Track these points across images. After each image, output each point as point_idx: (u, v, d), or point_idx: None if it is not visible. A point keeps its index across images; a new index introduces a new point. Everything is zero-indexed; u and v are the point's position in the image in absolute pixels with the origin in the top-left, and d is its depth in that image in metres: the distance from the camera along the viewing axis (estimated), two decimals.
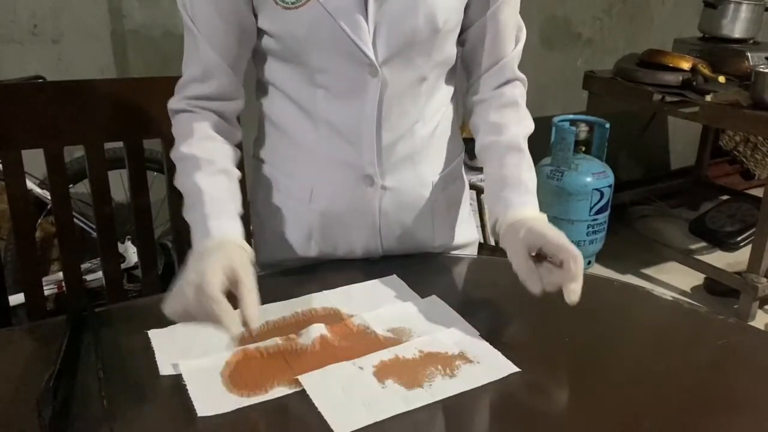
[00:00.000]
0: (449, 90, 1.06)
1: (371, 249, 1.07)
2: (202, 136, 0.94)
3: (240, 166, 0.98)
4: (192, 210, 0.88)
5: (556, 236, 0.85)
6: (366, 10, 0.89)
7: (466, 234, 1.17)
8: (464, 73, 1.07)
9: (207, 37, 0.92)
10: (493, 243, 1.99)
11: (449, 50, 0.99)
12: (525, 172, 0.98)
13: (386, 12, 0.90)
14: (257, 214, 1.12)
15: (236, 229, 0.85)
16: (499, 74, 1.03)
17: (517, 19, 1.01)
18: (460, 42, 1.03)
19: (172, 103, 0.97)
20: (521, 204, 0.94)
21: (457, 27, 0.98)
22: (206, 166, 0.91)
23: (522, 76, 1.05)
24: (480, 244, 1.99)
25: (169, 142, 1.21)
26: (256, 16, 0.93)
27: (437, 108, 1.03)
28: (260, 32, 0.95)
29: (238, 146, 1.00)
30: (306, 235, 1.06)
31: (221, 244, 0.81)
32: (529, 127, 1.03)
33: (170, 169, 1.23)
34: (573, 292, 0.81)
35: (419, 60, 0.95)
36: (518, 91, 1.04)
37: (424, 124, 1.01)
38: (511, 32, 1.01)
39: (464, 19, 0.99)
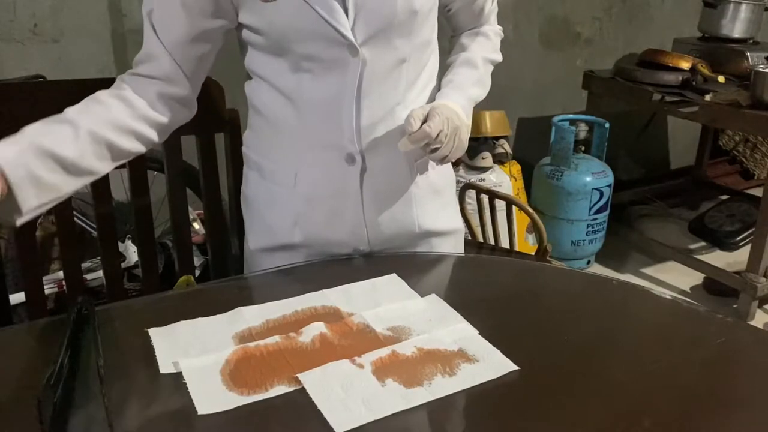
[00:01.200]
0: (431, 77, 1.10)
1: (357, 233, 1.08)
2: (100, 97, 0.95)
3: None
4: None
5: (438, 107, 0.99)
6: None
7: (450, 221, 1.18)
8: (449, 27, 1.19)
9: (158, 25, 0.96)
10: (493, 243, 2.00)
11: (427, 33, 1.05)
12: (471, 85, 1.10)
13: None
14: (246, 202, 1.14)
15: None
16: (479, 26, 1.17)
17: None
18: (444, 10, 1.12)
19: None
20: (446, 95, 1.06)
21: (434, 8, 1.04)
22: (57, 116, 0.89)
23: (499, 27, 1.19)
24: (479, 243, 2.00)
25: (169, 142, 1.21)
26: (237, 12, 0.96)
27: (419, 93, 1.06)
28: (243, 27, 0.99)
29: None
30: (291, 221, 1.07)
31: None
32: (494, 55, 1.16)
33: (170, 169, 1.24)
34: (401, 143, 0.98)
35: (398, 41, 0.99)
36: (491, 29, 1.17)
37: (405, 107, 1.03)
38: None
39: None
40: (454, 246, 1.18)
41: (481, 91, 1.12)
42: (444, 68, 1.14)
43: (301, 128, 1.02)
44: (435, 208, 1.14)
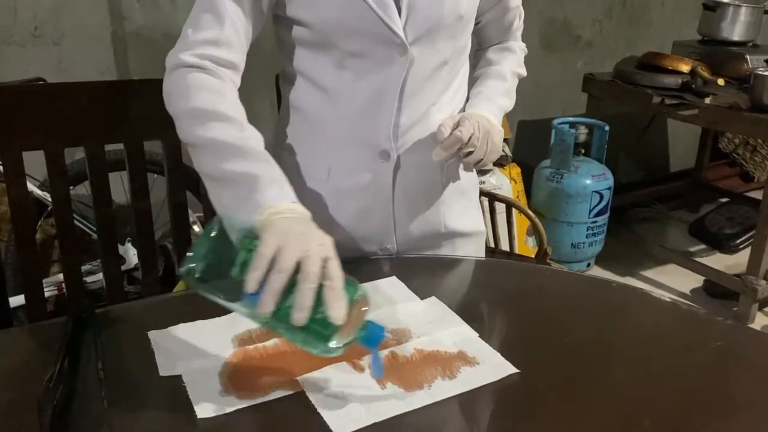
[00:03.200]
0: (463, 82, 1.12)
1: (385, 229, 1.08)
2: (235, 101, 0.91)
3: None
4: (246, 163, 0.85)
5: (468, 114, 1.02)
6: None
7: (474, 223, 1.20)
8: (474, 41, 1.19)
9: (232, 13, 0.92)
10: (493, 245, 1.99)
11: (467, 38, 1.08)
12: (499, 95, 1.13)
13: None
14: None
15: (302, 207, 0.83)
16: (505, 42, 1.21)
17: (519, 0, 1.18)
18: (475, 23, 1.13)
19: (181, 57, 0.90)
20: (476, 105, 1.09)
21: (474, 16, 1.07)
22: (251, 133, 0.88)
23: (523, 44, 1.23)
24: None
25: (169, 144, 1.22)
26: (284, 5, 0.96)
27: (453, 96, 1.09)
28: (290, 22, 0.98)
29: None
30: (322, 216, 1.04)
31: (308, 219, 0.80)
32: (520, 70, 1.20)
33: (170, 171, 1.24)
34: (435, 153, 1.00)
35: (443, 44, 1.01)
36: (517, 44, 1.21)
37: (439, 110, 1.05)
38: (516, 13, 1.18)
39: (479, 7, 1.09)
40: (476, 248, 1.21)
41: (509, 102, 1.16)
42: (472, 81, 1.16)
43: (339, 124, 1.03)
44: (460, 209, 1.16)
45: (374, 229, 1.09)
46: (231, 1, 0.92)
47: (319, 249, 0.70)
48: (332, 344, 0.69)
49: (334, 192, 1.06)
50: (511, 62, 1.18)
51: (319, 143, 1.06)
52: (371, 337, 0.71)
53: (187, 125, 0.89)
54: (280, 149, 1.11)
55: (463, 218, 1.16)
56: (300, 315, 0.67)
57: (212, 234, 0.71)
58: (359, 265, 1.07)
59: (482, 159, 1.03)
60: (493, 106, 1.09)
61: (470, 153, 1.01)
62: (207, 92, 0.89)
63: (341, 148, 1.04)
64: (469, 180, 1.17)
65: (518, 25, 1.20)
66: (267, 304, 0.67)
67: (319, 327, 0.68)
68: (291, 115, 1.08)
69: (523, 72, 1.21)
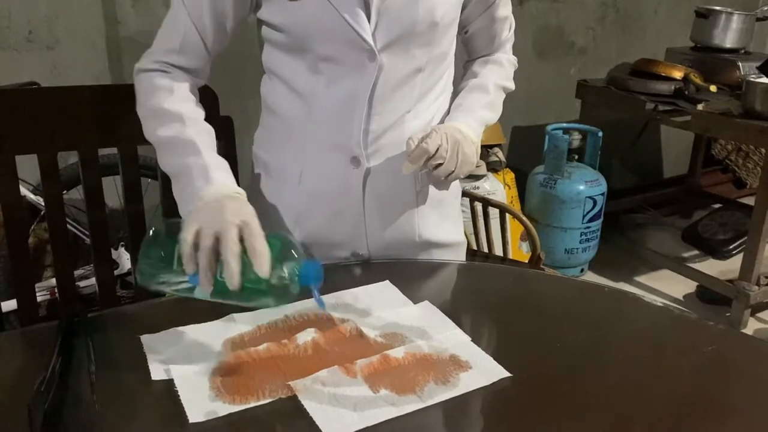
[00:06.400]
0: (444, 90, 1.10)
1: (356, 236, 1.08)
2: (183, 96, 0.97)
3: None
4: (183, 157, 0.91)
5: (438, 126, 1.01)
6: (367, 1, 0.94)
7: (452, 233, 1.18)
8: (464, 52, 1.19)
9: (192, 15, 0.96)
10: (486, 250, 2.00)
11: (446, 45, 1.05)
12: (480, 108, 1.10)
13: (388, 4, 0.95)
14: (252, 200, 1.13)
15: (235, 185, 0.90)
16: (493, 53, 1.18)
17: (509, 11, 1.15)
18: (462, 31, 1.13)
19: (143, 64, 0.99)
20: (454, 118, 1.07)
21: (455, 22, 1.05)
22: (192, 125, 0.94)
23: (513, 57, 1.19)
24: (473, 251, 2.00)
25: None
26: (259, 6, 0.98)
27: (430, 104, 1.07)
28: (264, 24, 1.00)
29: None
30: (293, 219, 1.08)
31: (229, 195, 0.86)
32: (506, 83, 1.16)
33: (164, 176, 1.24)
34: (404, 166, 0.99)
35: (417, 51, 1.00)
36: (505, 57, 1.18)
37: (415, 116, 1.05)
38: (505, 23, 1.15)
39: (464, 15, 1.08)
40: (454, 258, 1.18)
41: (491, 115, 1.12)
42: (456, 94, 1.14)
43: (312, 127, 1.03)
44: (436, 219, 1.14)
45: (345, 234, 1.08)
46: (187, 16, 0.96)
47: (232, 218, 0.76)
48: (272, 297, 0.75)
49: (305, 195, 1.07)
50: (496, 75, 1.15)
51: (292, 146, 1.07)
52: (308, 274, 0.76)
53: (144, 127, 0.98)
54: (257, 148, 1.13)
55: (439, 229, 1.14)
56: (232, 281, 0.72)
57: (150, 237, 0.78)
58: (353, 269, 1.07)
59: (453, 171, 1.01)
60: (470, 118, 1.07)
61: (440, 165, 0.99)
62: (156, 92, 0.96)
63: (313, 151, 1.05)
64: (449, 189, 1.14)
65: (507, 36, 1.17)
66: (204, 282, 0.74)
67: (255, 285, 0.74)
68: (267, 116, 1.10)
69: (511, 86, 1.18)
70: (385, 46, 0.97)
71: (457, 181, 1.18)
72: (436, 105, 1.09)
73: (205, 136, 0.94)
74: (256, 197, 1.13)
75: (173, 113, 0.94)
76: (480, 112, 1.09)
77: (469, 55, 1.20)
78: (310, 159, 1.05)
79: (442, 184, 1.06)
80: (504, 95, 1.17)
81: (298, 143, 1.06)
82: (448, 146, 0.99)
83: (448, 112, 1.11)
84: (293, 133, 1.06)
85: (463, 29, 1.13)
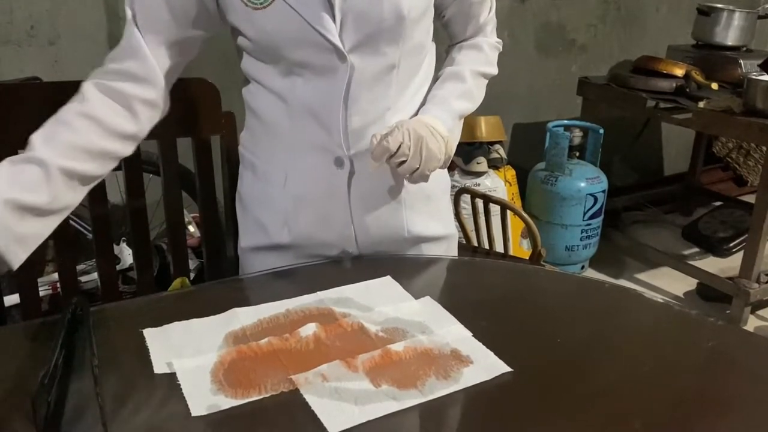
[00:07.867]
0: (425, 81, 1.09)
1: (345, 235, 1.08)
2: (66, 117, 0.90)
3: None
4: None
5: (401, 122, 0.98)
6: (330, 2, 0.93)
7: (441, 227, 1.16)
8: (446, 36, 1.16)
9: (141, 21, 0.93)
10: (487, 247, 2.00)
11: (419, 38, 1.03)
12: (455, 98, 1.07)
13: (351, 3, 0.93)
14: (240, 201, 1.15)
15: None
16: (475, 37, 1.15)
17: None
18: (439, 16, 1.11)
19: (92, 74, 0.95)
20: (427, 110, 1.04)
21: (425, 14, 1.03)
22: (25, 155, 0.86)
23: (496, 39, 1.16)
24: (474, 248, 2.01)
25: (165, 144, 1.22)
26: (223, 15, 0.97)
27: (411, 98, 1.06)
28: (235, 31, 0.99)
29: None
30: (281, 221, 1.08)
31: None
32: (485, 68, 1.12)
33: (166, 171, 1.25)
34: (369, 164, 0.97)
35: (387, 48, 0.99)
36: (485, 41, 1.14)
37: (396, 112, 1.04)
38: (483, 6, 1.11)
39: (439, 2, 1.06)
40: (445, 252, 1.18)
41: (468, 104, 1.09)
42: (434, 81, 1.11)
43: (293, 130, 1.03)
44: (426, 214, 1.13)
45: (334, 234, 1.08)
46: (135, 28, 0.93)
47: None
48: None
49: (291, 198, 1.06)
50: (474, 61, 1.11)
51: (276, 148, 1.06)
52: None
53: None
54: (244, 149, 1.13)
55: (429, 223, 1.13)
56: None
57: None
58: (354, 264, 1.08)
59: (418, 168, 0.97)
60: (441, 111, 1.04)
61: (403, 162, 0.96)
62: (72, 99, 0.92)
63: (297, 154, 1.05)
64: (436, 183, 1.11)
65: (487, 18, 1.12)
66: None
67: None
68: (251, 119, 1.09)
69: (492, 70, 1.14)
70: (354, 46, 0.96)
71: (446, 174, 1.18)
72: (418, 97, 1.07)
73: (36, 145, 0.86)
74: (245, 199, 1.13)
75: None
76: (454, 103, 1.06)
77: (450, 39, 1.16)
78: (294, 161, 1.05)
79: (413, 179, 1.01)
80: (485, 81, 1.13)
81: (282, 146, 1.05)
82: (411, 143, 0.95)
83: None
84: (276, 135, 1.05)
85: (440, 14, 1.10)
